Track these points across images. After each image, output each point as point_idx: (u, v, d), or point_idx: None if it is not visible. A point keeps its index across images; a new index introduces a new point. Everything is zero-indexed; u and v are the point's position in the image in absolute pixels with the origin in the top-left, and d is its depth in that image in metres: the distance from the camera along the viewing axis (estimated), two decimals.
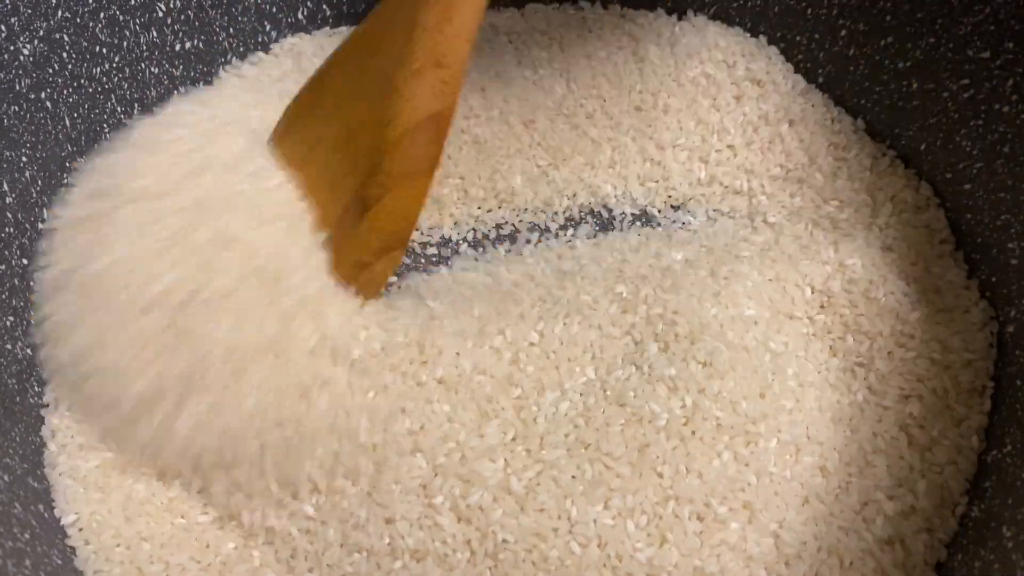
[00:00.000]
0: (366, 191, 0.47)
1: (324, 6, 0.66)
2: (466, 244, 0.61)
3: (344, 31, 0.67)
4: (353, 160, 0.47)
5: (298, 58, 0.64)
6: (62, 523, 0.48)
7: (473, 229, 0.61)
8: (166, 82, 0.61)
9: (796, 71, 0.65)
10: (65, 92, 0.54)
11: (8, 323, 0.51)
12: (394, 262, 0.50)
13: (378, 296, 0.52)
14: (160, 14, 0.59)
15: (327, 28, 0.67)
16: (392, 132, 0.45)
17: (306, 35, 0.66)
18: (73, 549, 0.47)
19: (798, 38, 0.65)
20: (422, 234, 0.61)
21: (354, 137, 0.47)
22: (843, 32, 0.61)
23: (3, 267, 0.51)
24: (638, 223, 0.61)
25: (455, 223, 0.61)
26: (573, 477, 0.47)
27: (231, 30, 0.63)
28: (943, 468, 0.49)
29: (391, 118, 0.45)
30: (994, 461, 0.48)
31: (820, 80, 0.64)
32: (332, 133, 0.48)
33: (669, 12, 0.67)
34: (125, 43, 0.57)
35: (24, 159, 0.52)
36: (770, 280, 0.54)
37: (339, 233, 0.49)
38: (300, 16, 0.66)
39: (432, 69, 0.44)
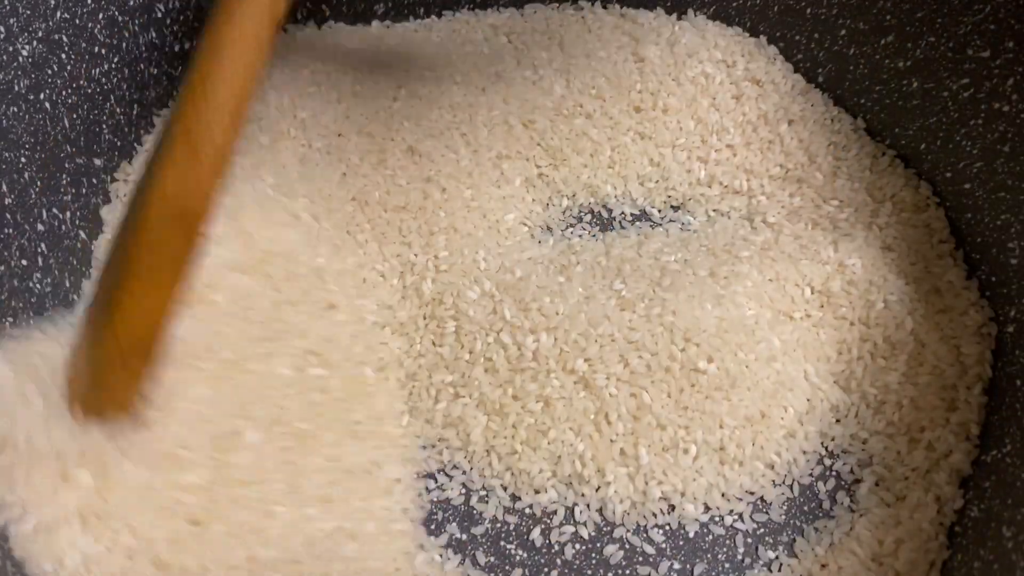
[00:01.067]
0: (111, 294, 0.41)
1: (323, 6, 0.66)
2: None
3: (343, 27, 0.67)
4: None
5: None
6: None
7: None
8: (165, 82, 0.61)
9: (796, 71, 0.65)
10: (65, 92, 0.54)
11: (8, 323, 0.51)
12: (134, 377, 0.43)
13: (124, 413, 0.43)
14: (159, 15, 0.59)
15: (327, 28, 0.67)
16: (143, 223, 0.40)
17: None
18: None
19: (798, 38, 0.65)
20: None
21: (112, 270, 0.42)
22: (843, 32, 0.61)
23: (2, 268, 0.51)
24: (638, 223, 0.61)
25: None
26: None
27: None
28: (938, 468, 0.49)
29: (144, 210, 0.40)
30: (994, 461, 0.47)
31: (820, 80, 0.64)
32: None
33: (669, 12, 0.67)
34: (124, 44, 0.57)
35: (24, 159, 0.52)
36: (770, 280, 0.54)
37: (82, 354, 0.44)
38: (299, 16, 0.66)
39: (186, 158, 0.39)
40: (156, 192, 0.39)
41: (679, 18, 0.67)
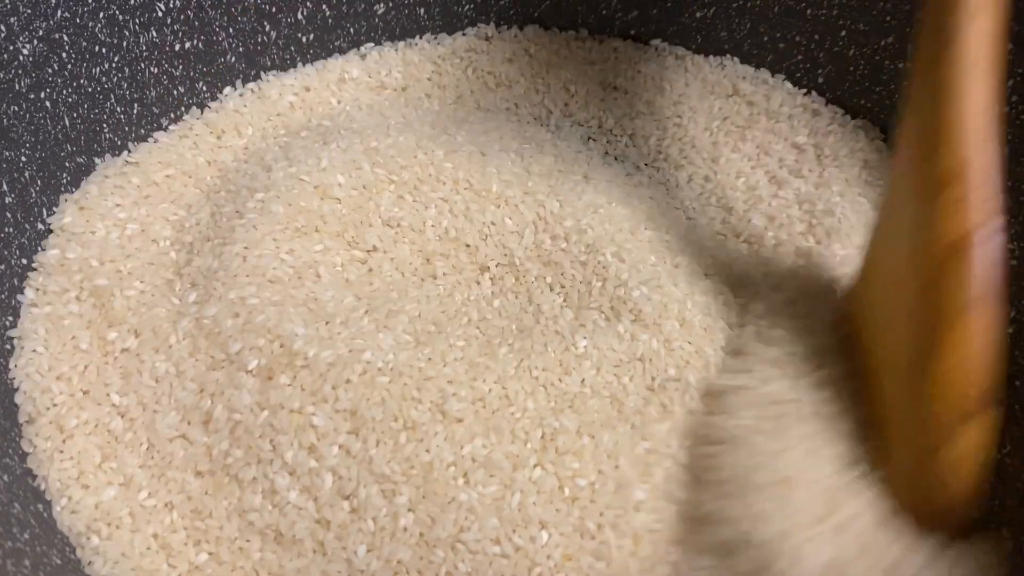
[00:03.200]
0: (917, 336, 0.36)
1: (324, 6, 0.66)
2: None
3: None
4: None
5: None
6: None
7: None
8: (166, 82, 0.61)
9: (795, 71, 0.65)
10: (65, 92, 0.54)
11: (7, 322, 0.51)
12: (987, 429, 0.38)
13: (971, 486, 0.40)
14: (160, 14, 0.59)
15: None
16: (936, 251, 0.36)
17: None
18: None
19: (798, 38, 0.65)
20: None
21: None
22: (843, 32, 0.61)
23: (3, 267, 0.51)
24: None
25: None
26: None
27: (231, 30, 0.63)
28: None
29: (933, 238, 0.36)
30: (994, 461, 0.47)
31: (820, 80, 0.64)
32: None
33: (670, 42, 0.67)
34: (125, 43, 0.57)
35: (24, 159, 0.52)
36: None
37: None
38: (300, 16, 0.66)
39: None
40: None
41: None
